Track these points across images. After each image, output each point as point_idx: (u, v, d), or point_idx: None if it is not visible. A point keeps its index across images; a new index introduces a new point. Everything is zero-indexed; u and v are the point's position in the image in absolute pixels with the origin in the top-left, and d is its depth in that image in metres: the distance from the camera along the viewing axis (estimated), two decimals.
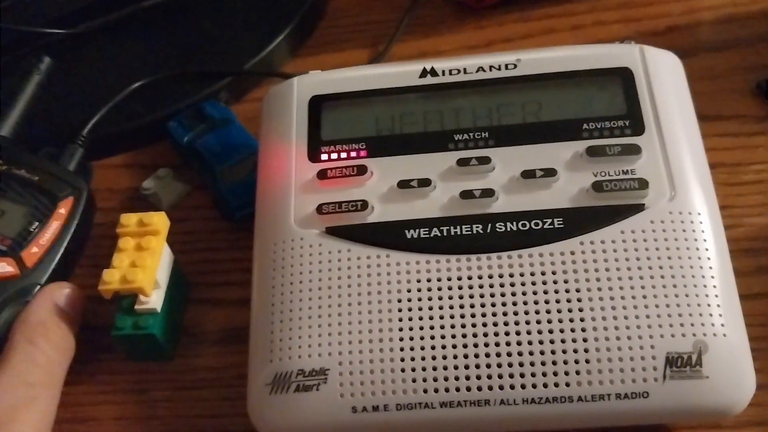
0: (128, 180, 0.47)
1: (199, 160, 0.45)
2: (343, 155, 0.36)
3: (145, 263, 0.37)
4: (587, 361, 0.30)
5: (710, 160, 0.40)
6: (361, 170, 0.35)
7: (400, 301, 0.32)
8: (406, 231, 0.34)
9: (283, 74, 0.50)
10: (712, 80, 0.47)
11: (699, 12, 0.51)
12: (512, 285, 0.32)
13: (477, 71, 0.37)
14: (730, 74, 0.47)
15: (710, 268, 0.32)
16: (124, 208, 0.46)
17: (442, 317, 0.32)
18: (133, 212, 0.39)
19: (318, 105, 0.38)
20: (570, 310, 0.31)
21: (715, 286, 0.31)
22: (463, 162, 0.35)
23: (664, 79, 0.36)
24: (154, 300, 0.37)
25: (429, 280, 0.32)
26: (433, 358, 0.31)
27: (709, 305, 0.31)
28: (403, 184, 0.35)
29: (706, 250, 0.32)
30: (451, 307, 0.32)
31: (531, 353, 0.30)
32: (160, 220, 0.38)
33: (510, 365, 0.30)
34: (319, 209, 0.34)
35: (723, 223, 0.35)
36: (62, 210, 0.42)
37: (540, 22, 0.52)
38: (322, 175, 0.35)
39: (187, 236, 0.44)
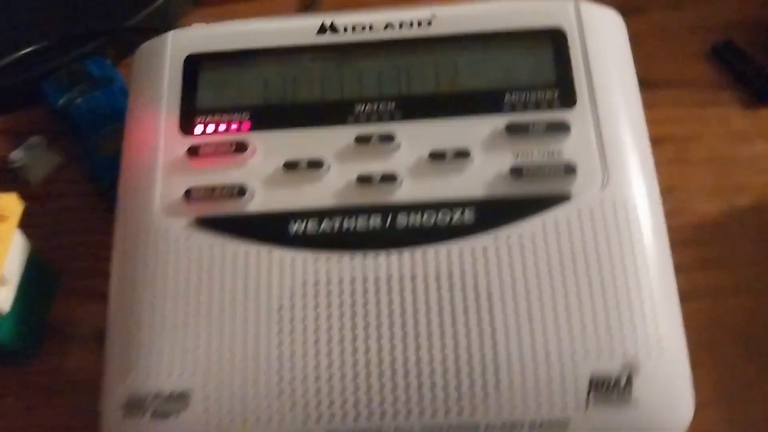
0: None
1: (73, 127, 0.38)
2: (222, 128, 0.30)
3: None
4: (498, 382, 0.25)
5: (657, 134, 0.35)
6: (241, 147, 0.29)
7: (280, 308, 0.27)
8: (291, 223, 0.28)
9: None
10: (663, 41, 0.41)
11: None
12: (413, 290, 0.27)
13: (385, 29, 0.31)
14: (685, 34, 0.42)
15: (647, 270, 0.27)
16: None
17: (329, 328, 0.26)
18: (0, 188, 0.33)
19: (194, 65, 0.31)
20: (480, 321, 0.26)
21: (651, 292, 0.26)
22: (362, 140, 0.29)
23: (603, 42, 0.30)
24: (2, 298, 0.31)
25: (315, 283, 0.27)
26: (317, 378, 0.26)
27: (643, 315, 0.26)
28: (291, 166, 0.29)
29: (643, 248, 0.27)
30: (341, 317, 0.26)
31: (432, 373, 0.26)
32: (9, 204, 0.32)
33: (407, 386, 0.25)
34: (188, 195, 0.29)
35: (667, 208, 0.30)
36: None
37: None
38: (193, 152, 0.29)
39: (59, 215, 0.38)
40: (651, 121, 0.32)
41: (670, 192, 0.35)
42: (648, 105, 0.33)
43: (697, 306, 0.32)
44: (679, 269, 0.29)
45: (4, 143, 0.40)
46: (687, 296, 0.29)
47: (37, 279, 0.34)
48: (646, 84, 0.34)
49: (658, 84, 0.39)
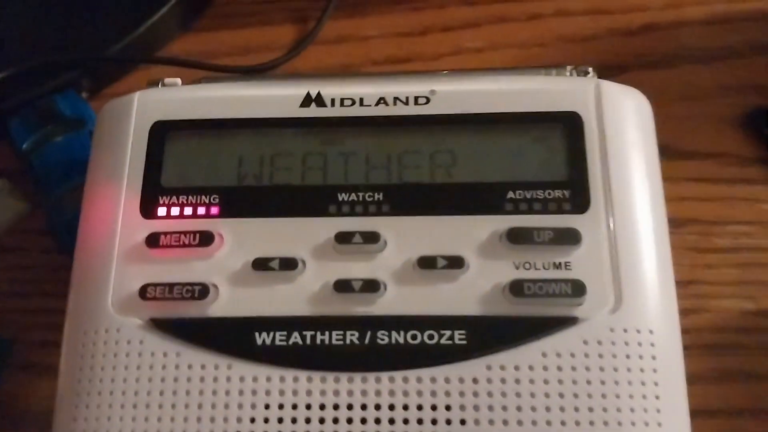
0: None
1: (36, 177, 0.35)
2: (187, 211, 0.27)
3: None
4: None
5: (678, 214, 0.32)
6: (206, 239, 0.26)
7: None
8: (257, 334, 0.25)
9: (158, 59, 0.40)
10: (692, 102, 0.37)
11: (686, 7, 0.41)
12: (391, 422, 0.23)
13: (377, 104, 0.28)
14: (715, 96, 0.37)
15: (658, 411, 0.23)
16: None
17: None
18: None
19: (161, 135, 0.28)
20: None
21: None
22: (343, 238, 0.26)
23: (625, 131, 0.27)
24: None
25: (281, 406, 0.24)
26: None
27: None
28: (261, 265, 0.26)
29: (656, 384, 0.24)
30: None
31: None
32: None
33: None
34: (143, 292, 0.25)
35: (683, 305, 0.26)
36: None
37: (491, 6, 0.42)
38: (152, 241, 0.26)
39: (18, 273, 0.35)
40: (671, 198, 0.29)
41: (687, 286, 0.32)
42: (669, 178, 0.29)
43: (710, 426, 0.28)
44: (692, 380, 0.26)
45: None
46: (699, 413, 0.26)
47: None
48: (667, 153, 0.30)
49: (681, 154, 0.36)
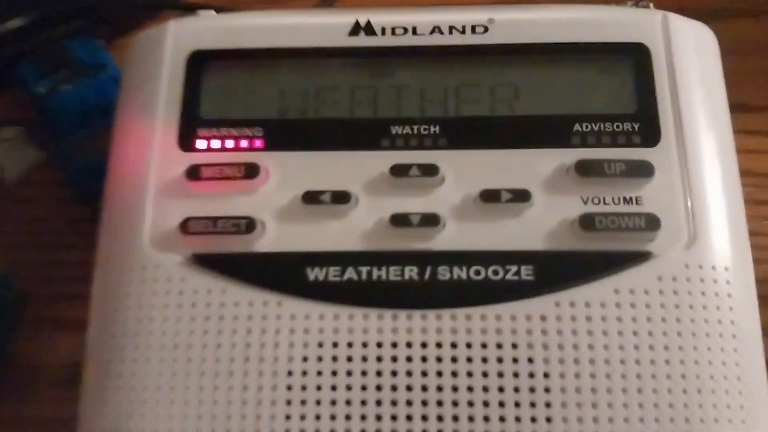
0: None
1: (51, 121, 0.33)
2: (229, 144, 0.25)
3: None
4: None
5: None
6: (252, 171, 0.24)
7: (290, 374, 0.22)
8: (309, 269, 0.23)
9: (177, 4, 0.38)
10: (741, 56, 0.36)
11: None
12: (454, 360, 0.22)
13: (431, 33, 0.26)
14: (765, 49, 0.37)
15: (735, 351, 0.22)
16: None
17: (348, 402, 0.22)
18: None
19: (199, 65, 0.26)
20: (533, 404, 0.21)
21: (739, 378, 0.22)
22: (399, 171, 0.24)
23: (694, 64, 0.25)
24: None
25: (335, 344, 0.22)
26: None
27: (728, 407, 0.22)
28: (311, 198, 0.24)
29: (732, 323, 0.22)
30: (364, 389, 0.22)
31: None
32: None
33: None
34: (185, 227, 0.24)
35: None
36: None
37: None
38: (193, 173, 0.24)
39: (33, 225, 0.33)
40: None
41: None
42: None
43: None
44: None
45: None
46: None
47: None
48: None
49: (732, 107, 0.34)
